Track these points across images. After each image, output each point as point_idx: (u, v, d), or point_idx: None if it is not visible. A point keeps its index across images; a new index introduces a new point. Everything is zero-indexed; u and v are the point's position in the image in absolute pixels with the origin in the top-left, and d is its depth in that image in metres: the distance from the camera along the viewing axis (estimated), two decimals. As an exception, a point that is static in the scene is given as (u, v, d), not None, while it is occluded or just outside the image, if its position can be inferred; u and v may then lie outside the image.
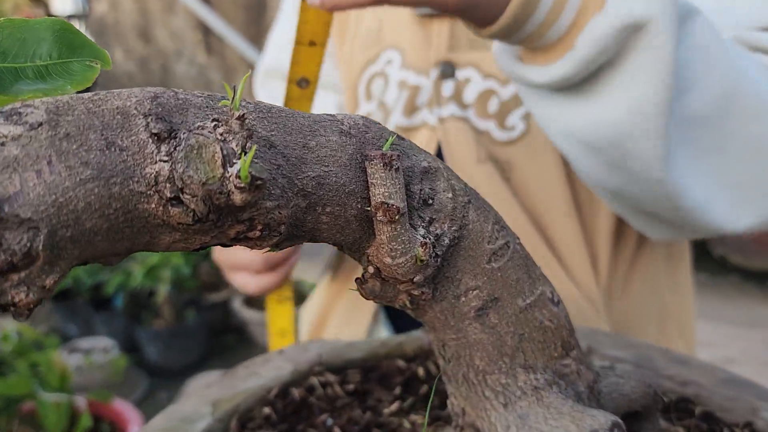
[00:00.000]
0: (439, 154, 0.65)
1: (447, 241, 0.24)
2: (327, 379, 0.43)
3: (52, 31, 0.21)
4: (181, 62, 4.90)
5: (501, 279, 0.26)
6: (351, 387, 0.42)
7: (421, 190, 0.23)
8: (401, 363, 0.45)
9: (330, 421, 0.39)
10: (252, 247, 0.21)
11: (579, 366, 0.28)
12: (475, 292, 0.25)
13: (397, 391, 0.42)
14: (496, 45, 0.48)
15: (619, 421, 0.25)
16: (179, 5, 4.69)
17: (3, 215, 0.15)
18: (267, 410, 0.39)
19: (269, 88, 0.82)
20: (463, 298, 0.26)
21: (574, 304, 0.62)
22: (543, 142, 0.63)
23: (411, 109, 0.67)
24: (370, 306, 0.69)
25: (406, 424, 0.39)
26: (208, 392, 0.41)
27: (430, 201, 0.24)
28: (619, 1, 0.41)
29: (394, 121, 0.67)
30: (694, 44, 0.44)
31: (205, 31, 4.65)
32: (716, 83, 0.46)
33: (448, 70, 0.66)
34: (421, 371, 0.44)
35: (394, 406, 0.41)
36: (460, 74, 0.65)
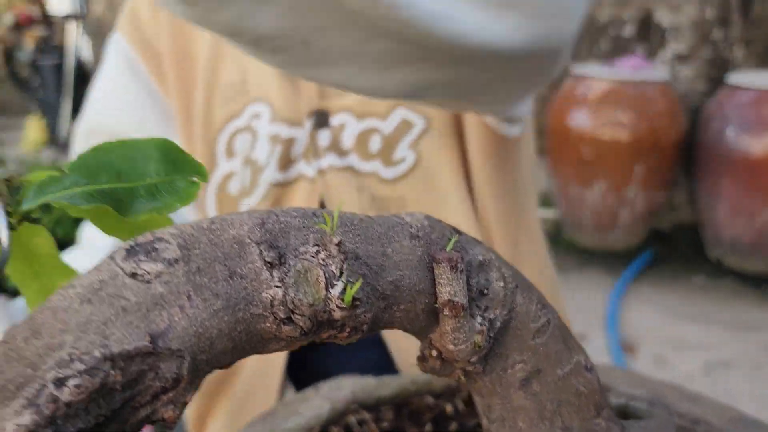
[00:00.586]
0: (323, 207, 0.66)
1: (499, 324, 0.27)
2: (362, 416, 0.46)
3: (157, 149, 0.24)
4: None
5: (543, 352, 0.29)
6: (385, 424, 0.45)
7: (478, 282, 0.26)
8: (430, 400, 0.48)
9: (370, 460, 0.42)
10: (336, 342, 0.24)
11: (609, 423, 0.32)
12: (520, 365, 0.28)
13: (428, 427, 0.45)
14: None
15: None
16: (178, 7, 4.71)
17: (159, 350, 0.18)
18: None
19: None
20: (510, 371, 0.28)
21: None
22: (437, 170, 0.64)
23: (286, 162, 0.65)
24: (281, 363, 0.68)
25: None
26: (252, 430, 0.44)
27: (486, 291, 0.26)
28: None
29: (268, 177, 0.65)
30: None
31: (205, 32, 4.66)
32: None
33: (322, 119, 0.65)
34: (449, 408, 0.47)
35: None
36: (335, 121, 0.64)
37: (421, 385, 0.49)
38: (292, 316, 0.20)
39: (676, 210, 3.80)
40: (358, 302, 0.21)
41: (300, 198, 0.65)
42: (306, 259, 0.21)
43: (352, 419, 0.45)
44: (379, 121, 0.63)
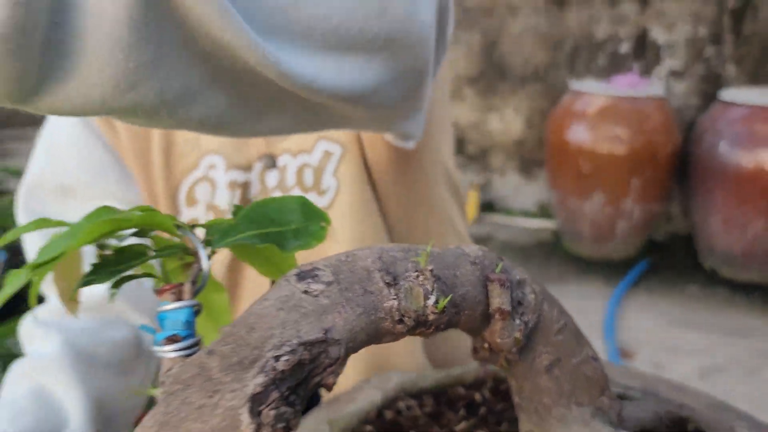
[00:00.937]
0: None
1: (531, 325, 0.37)
2: (408, 403, 0.56)
3: (297, 204, 0.35)
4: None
5: (562, 346, 0.39)
6: (427, 410, 0.56)
7: (517, 295, 0.37)
8: (462, 390, 0.58)
9: (417, 437, 0.52)
10: (422, 336, 0.34)
11: (611, 401, 0.42)
12: (545, 355, 0.39)
13: (462, 412, 0.56)
14: None
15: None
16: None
17: (329, 340, 0.28)
18: (369, 428, 0.53)
19: (33, 205, 0.72)
20: (538, 359, 0.39)
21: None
22: (358, 197, 0.70)
23: (245, 203, 0.71)
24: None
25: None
26: (320, 414, 0.54)
27: (522, 301, 0.37)
28: None
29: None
30: None
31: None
32: None
33: (269, 162, 0.72)
34: (478, 396, 0.58)
35: (462, 425, 0.54)
36: (280, 162, 0.72)
37: (454, 378, 0.60)
38: (402, 318, 0.31)
39: (672, 221, 3.91)
40: (445, 309, 0.31)
41: None
42: (411, 281, 0.31)
43: (401, 404, 0.55)
44: (307, 155, 0.70)
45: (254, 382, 0.26)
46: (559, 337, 0.39)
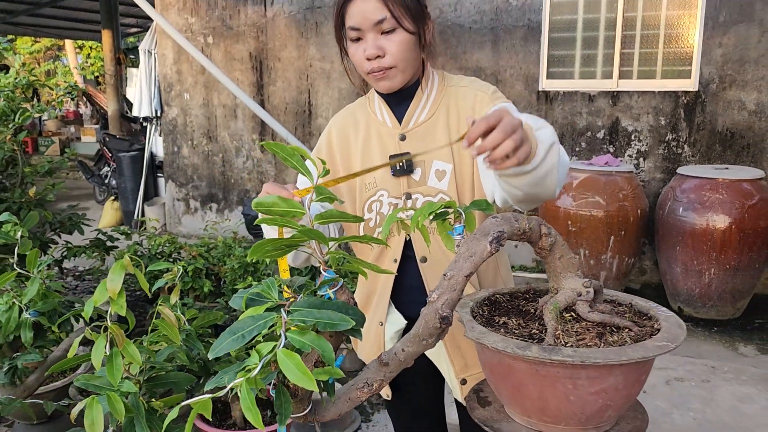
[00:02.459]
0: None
1: (552, 240, 1.19)
2: (499, 298, 1.35)
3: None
4: (239, 157, 5.91)
5: (561, 247, 1.21)
6: (507, 299, 1.34)
7: (549, 230, 1.19)
8: (520, 293, 1.37)
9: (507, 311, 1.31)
10: (525, 240, 1.16)
11: (583, 275, 1.23)
12: (557, 251, 1.20)
13: (525, 301, 1.34)
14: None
15: (595, 283, 1.19)
16: (240, 112, 5.75)
17: (501, 234, 1.10)
18: (486, 301, 1.31)
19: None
20: (555, 254, 1.21)
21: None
22: None
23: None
24: (385, 299, 1.47)
25: (533, 311, 1.30)
26: (463, 300, 1.33)
27: (549, 232, 1.19)
28: (544, 136, 1.09)
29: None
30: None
31: (261, 131, 5.69)
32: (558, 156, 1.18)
33: (408, 196, 1.45)
34: (531, 294, 1.36)
35: (530, 306, 1.32)
36: (413, 197, 1.45)
37: (516, 289, 1.39)
38: (525, 231, 1.13)
39: (645, 271, 4.72)
40: (529, 230, 1.12)
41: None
42: (523, 222, 1.13)
43: (496, 296, 1.34)
44: (431, 197, 1.44)
45: (487, 242, 1.07)
46: (559, 244, 1.19)
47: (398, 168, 1.41)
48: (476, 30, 4.90)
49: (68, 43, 19.09)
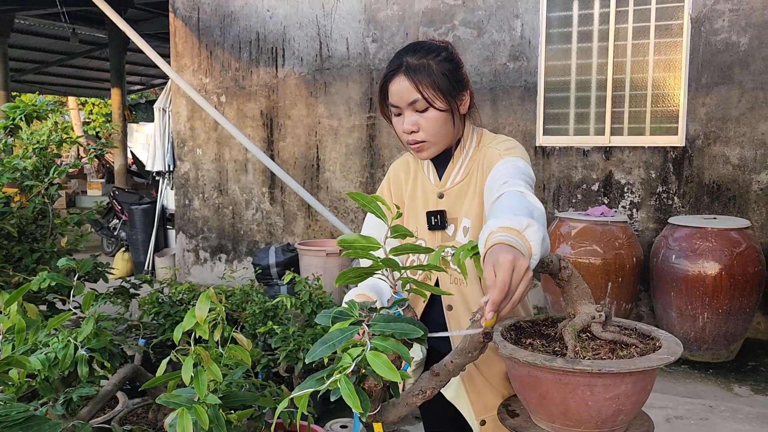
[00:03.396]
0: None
1: (569, 272, 1.42)
2: (523, 324, 1.56)
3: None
4: (249, 209, 6.15)
5: (576, 279, 1.43)
6: (529, 326, 1.55)
7: (566, 263, 1.42)
8: (540, 321, 1.59)
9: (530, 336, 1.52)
10: (547, 272, 1.38)
11: (595, 302, 1.46)
12: (573, 281, 1.43)
13: (545, 327, 1.55)
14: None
15: (606, 309, 1.41)
16: (250, 167, 6.03)
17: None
18: (511, 327, 1.52)
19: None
20: (572, 284, 1.43)
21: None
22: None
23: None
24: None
25: (553, 334, 1.51)
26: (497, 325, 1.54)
27: (566, 266, 1.42)
28: (535, 235, 1.16)
29: (424, 259, 1.55)
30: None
31: (270, 185, 5.95)
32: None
33: (442, 248, 1.65)
34: (549, 321, 1.57)
35: (549, 330, 1.53)
36: (446, 249, 1.64)
37: (542, 318, 1.60)
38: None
39: (642, 317, 4.92)
40: (550, 264, 1.35)
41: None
42: (549, 257, 1.36)
43: (520, 323, 1.55)
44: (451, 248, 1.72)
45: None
46: (575, 276, 1.41)
47: (433, 223, 1.57)
48: (477, 90, 5.24)
49: (71, 100, 19.59)
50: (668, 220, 4.48)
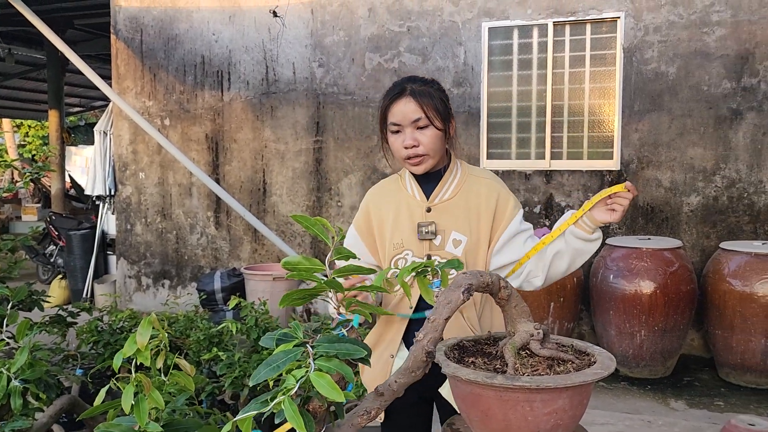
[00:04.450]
0: None
1: (509, 291, 1.47)
2: (466, 344, 1.59)
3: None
4: (194, 234, 6.05)
5: (515, 298, 1.48)
6: (472, 344, 1.59)
7: (506, 283, 1.46)
8: (482, 340, 1.62)
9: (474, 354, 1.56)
10: (487, 292, 1.42)
11: (533, 321, 1.51)
12: (512, 300, 1.48)
13: (487, 345, 1.59)
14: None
15: (544, 327, 1.46)
16: (195, 190, 5.94)
17: (470, 287, 1.37)
18: (455, 346, 1.55)
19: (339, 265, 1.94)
20: (512, 303, 1.48)
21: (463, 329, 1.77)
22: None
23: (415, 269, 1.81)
24: (398, 337, 1.78)
25: (494, 352, 1.55)
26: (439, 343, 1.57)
27: (507, 286, 1.46)
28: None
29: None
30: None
31: (216, 209, 5.88)
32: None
33: (429, 257, 1.78)
34: (492, 340, 1.61)
35: (491, 349, 1.57)
36: (433, 258, 1.78)
37: (485, 337, 1.64)
38: (489, 285, 1.39)
39: (583, 336, 5.06)
40: (490, 283, 1.39)
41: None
42: (485, 277, 1.40)
43: (465, 343, 1.58)
44: (440, 258, 1.78)
45: (459, 293, 1.33)
46: (515, 295, 1.46)
47: (424, 233, 1.76)
48: (421, 115, 5.35)
49: (5, 122, 18.89)
50: (606, 241, 4.64)
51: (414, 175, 1.82)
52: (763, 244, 4.33)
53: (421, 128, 1.72)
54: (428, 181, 1.81)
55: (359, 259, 1.75)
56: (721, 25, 4.63)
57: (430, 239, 1.77)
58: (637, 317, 4.26)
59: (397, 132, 1.74)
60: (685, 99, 4.76)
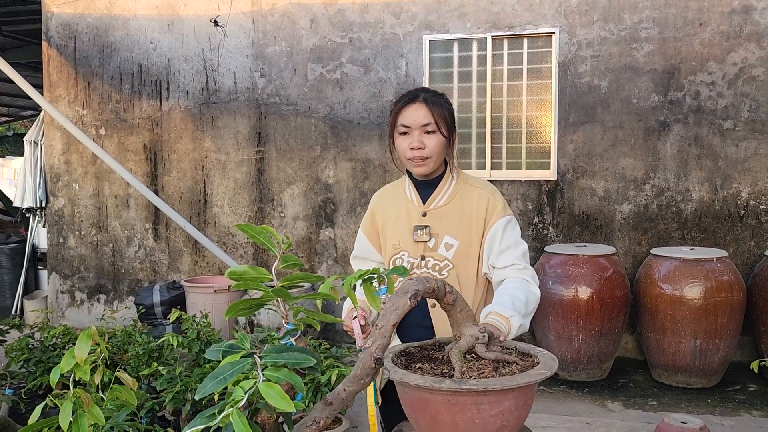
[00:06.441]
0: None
1: (454, 296, 1.50)
2: (412, 350, 1.61)
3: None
4: (131, 246, 5.86)
5: (461, 304, 1.51)
6: (417, 350, 1.61)
7: (451, 289, 1.49)
8: (428, 345, 1.65)
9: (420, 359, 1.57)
10: (433, 297, 1.44)
11: (477, 324, 1.54)
12: (458, 305, 1.51)
13: (433, 351, 1.61)
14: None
15: (489, 332, 1.49)
16: (132, 202, 5.77)
17: (417, 293, 1.39)
18: (402, 352, 1.57)
19: (355, 265, 2.05)
20: (457, 308, 1.51)
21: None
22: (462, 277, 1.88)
23: (411, 269, 1.89)
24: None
25: (440, 357, 1.58)
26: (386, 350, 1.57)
27: (452, 291, 1.49)
28: (524, 322, 1.72)
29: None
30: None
31: (154, 220, 5.73)
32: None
33: (423, 257, 1.88)
34: (437, 345, 1.64)
35: (438, 354, 1.59)
36: (426, 259, 1.87)
37: (425, 343, 1.66)
38: (434, 290, 1.42)
39: (523, 341, 5.16)
40: (436, 289, 1.41)
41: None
42: (429, 284, 1.42)
43: (410, 348, 1.60)
44: (439, 263, 1.86)
45: (406, 299, 1.34)
46: (460, 300, 1.49)
47: (420, 235, 1.89)
48: (364, 125, 5.37)
49: (-75, 132, 17.83)
50: (544, 249, 4.77)
51: (413, 181, 1.96)
52: (690, 249, 4.55)
53: (429, 133, 1.85)
54: (426, 188, 1.95)
55: (365, 259, 2.03)
56: (649, 42, 4.86)
57: (425, 241, 1.89)
58: (575, 322, 4.39)
59: (405, 134, 1.87)
60: (617, 111, 4.96)
